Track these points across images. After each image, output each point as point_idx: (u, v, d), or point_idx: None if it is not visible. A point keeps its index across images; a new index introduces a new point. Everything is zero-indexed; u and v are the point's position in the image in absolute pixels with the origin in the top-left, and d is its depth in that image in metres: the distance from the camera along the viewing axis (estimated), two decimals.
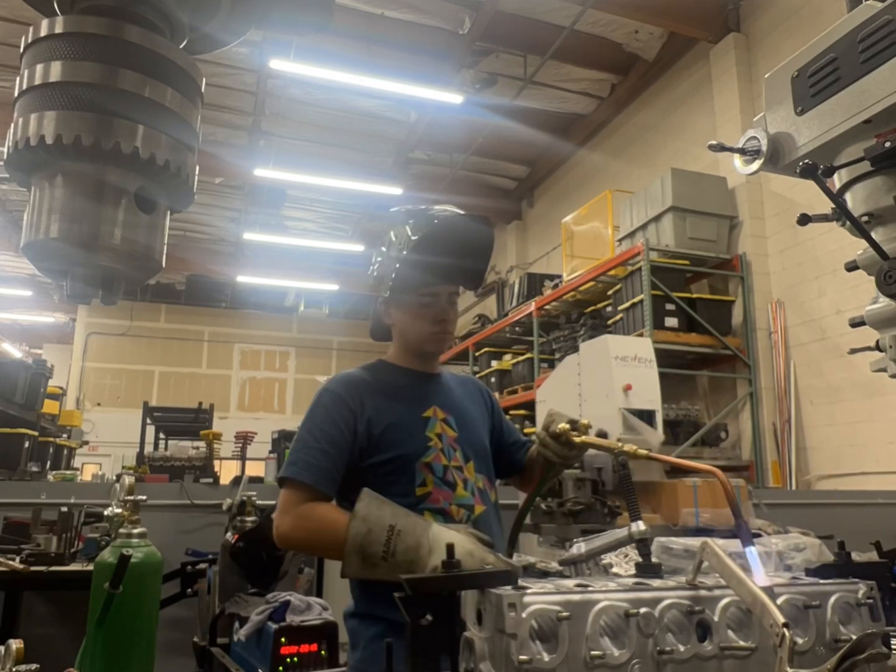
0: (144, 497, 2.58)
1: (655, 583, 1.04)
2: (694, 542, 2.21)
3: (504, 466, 1.87)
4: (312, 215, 13.61)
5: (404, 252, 1.69)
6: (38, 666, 1.09)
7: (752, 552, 1.05)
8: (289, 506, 1.55)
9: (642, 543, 1.22)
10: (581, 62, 8.85)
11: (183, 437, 9.35)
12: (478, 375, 9.88)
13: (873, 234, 1.22)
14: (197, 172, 1.52)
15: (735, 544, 2.19)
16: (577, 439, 1.56)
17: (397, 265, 1.69)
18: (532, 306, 8.48)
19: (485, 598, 0.96)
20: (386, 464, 1.64)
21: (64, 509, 3.55)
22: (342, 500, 1.63)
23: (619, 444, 1.47)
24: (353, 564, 1.37)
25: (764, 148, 1.32)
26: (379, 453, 1.64)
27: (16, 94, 1.37)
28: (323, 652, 2.53)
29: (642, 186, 7.37)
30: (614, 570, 2.15)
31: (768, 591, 0.95)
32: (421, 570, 1.31)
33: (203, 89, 1.52)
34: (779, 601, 1.00)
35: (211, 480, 4.43)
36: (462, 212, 1.77)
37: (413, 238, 1.68)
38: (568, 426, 1.58)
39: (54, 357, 13.73)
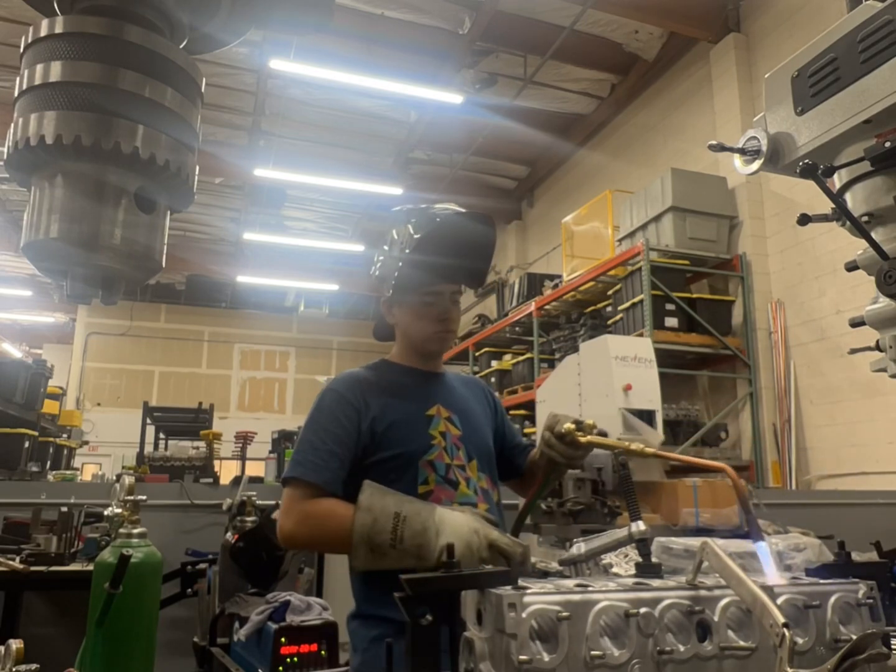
0: (144, 497, 2.57)
1: (655, 583, 1.04)
2: (694, 542, 2.21)
3: (504, 469, 1.86)
4: (312, 215, 13.61)
5: (406, 251, 1.69)
6: (38, 666, 1.09)
7: (763, 547, 1.05)
8: (292, 504, 1.54)
9: (642, 543, 1.22)
10: (581, 62, 8.85)
11: (183, 437, 9.35)
12: (478, 375, 9.88)
13: (873, 234, 1.22)
14: (197, 172, 1.52)
15: (735, 544, 2.19)
16: (582, 439, 1.56)
17: (399, 264, 1.69)
18: (532, 306, 8.48)
19: (485, 598, 0.96)
20: (389, 461, 1.63)
21: (64, 509, 3.55)
22: (347, 499, 1.63)
23: (626, 444, 1.47)
24: (361, 556, 1.35)
25: (764, 148, 1.32)
26: (382, 451, 1.64)
27: (16, 94, 1.37)
28: (323, 652, 2.52)
29: (642, 186, 7.37)
30: (614, 570, 2.15)
31: (768, 591, 0.96)
32: (430, 554, 1.30)
33: (203, 89, 1.52)
34: (779, 601, 1.00)
35: (211, 480, 4.43)
36: (463, 210, 1.77)
37: (415, 237, 1.68)
38: (573, 426, 1.58)
39: (54, 357, 13.72)
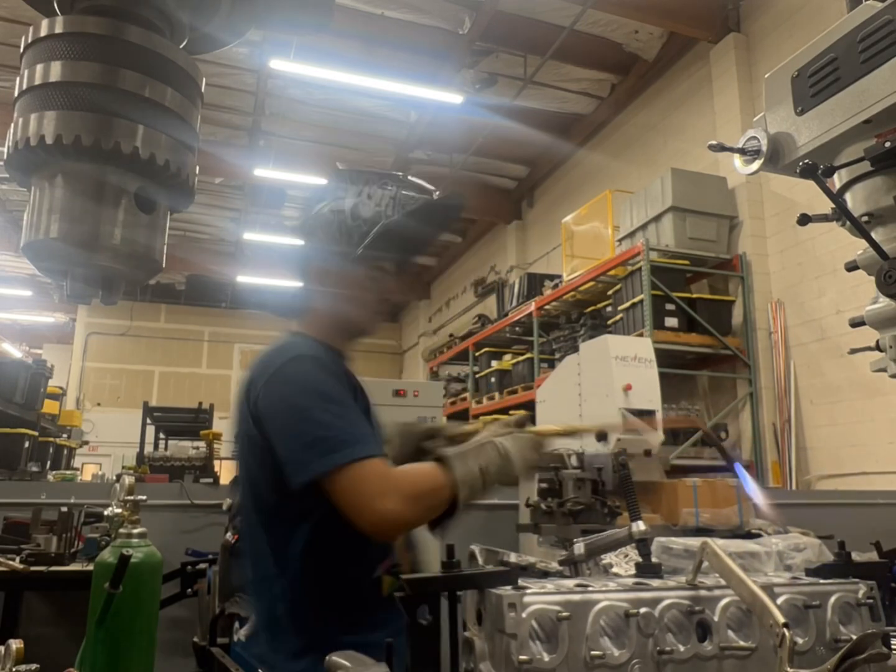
0: (144, 497, 2.56)
1: (655, 583, 1.04)
2: (694, 542, 2.21)
3: None
4: None
5: (404, 209, 1.51)
6: (38, 666, 1.09)
7: (740, 468, 1.09)
8: (384, 484, 1.28)
9: (642, 543, 1.22)
10: (581, 62, 8.85)
11: (183, 437, 9.34)
12: (478, 375, 9.89)
13: (873, 234, 1.22)
14: (197, 172, 1.52)
15: (735, 544, 2.20)
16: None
17: (385, 220, 1.50)
18: (532, 306, 8.48)
19: (485, 598, 0.96)
20: None
21: (64, 509, 3.54)
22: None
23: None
24: (465, 495, 1.28)
25: (764, 148, 1.32)
26: None
27: (16, 94, 1.37)
28: None
29: (642, 186, 7.37)
30: (614, 570, 2.15)
31: (768, 590, 0.96)
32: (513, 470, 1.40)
33: (203, 89, 1.52)
34: (779, 601, 1.00)
35: (211, 480, 4.43)
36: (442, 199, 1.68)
37: (407, 207, 1.52)
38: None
39: (54, 357, 13.70)
